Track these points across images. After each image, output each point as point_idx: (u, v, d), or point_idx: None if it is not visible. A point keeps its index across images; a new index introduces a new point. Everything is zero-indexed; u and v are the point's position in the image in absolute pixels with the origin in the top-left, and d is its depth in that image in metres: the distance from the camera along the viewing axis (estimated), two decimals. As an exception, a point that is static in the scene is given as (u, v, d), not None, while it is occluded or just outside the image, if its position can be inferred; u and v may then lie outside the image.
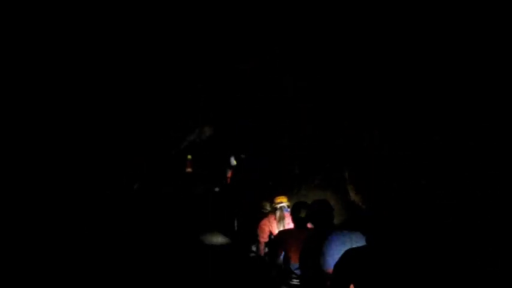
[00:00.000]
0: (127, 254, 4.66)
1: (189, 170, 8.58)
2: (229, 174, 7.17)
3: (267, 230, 4.08)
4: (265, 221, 4.17)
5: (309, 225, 3.45)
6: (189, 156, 8.75)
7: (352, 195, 5.11)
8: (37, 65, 4.52)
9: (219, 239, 5.87)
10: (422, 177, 3.74)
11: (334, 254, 2.33)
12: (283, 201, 4.20)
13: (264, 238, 4.04)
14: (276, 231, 3.91)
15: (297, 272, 3.04)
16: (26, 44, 4.29)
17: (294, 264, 3.08)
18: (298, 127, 6.96)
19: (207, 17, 5.35)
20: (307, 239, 2.74)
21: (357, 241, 2.34)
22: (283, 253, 3.30)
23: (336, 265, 1.91)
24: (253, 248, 4.19)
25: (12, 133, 4.30)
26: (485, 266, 2.68)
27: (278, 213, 4.04)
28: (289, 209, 3.91)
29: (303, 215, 3.23)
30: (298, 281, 3.07)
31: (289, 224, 3.80)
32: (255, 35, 5.52)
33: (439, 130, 3.54)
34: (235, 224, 6.22)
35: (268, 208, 4.84)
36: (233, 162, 7.63)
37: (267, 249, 4.05)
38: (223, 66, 6.53)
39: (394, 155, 4.26)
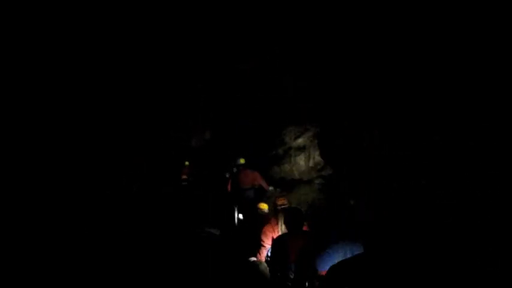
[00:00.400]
0: (127, 253, 4.65)
1: (184, 177, 8.45)
2: (229, 183, 7.09)
3: (270, 235, 4.10)
4: (268, 227, 4.19)
5: (305, 228, 3.52)
6: (187, 163, 8.63)
7: (351, 198, 5.12)
8: (37, 65, 4.52)
9: (219, 239, 5.87)
10: (422, 177, 3.74)
11: (326, 257, 2.37)
12: (284, 203, 4.22)
13: (268, 244, 4.05)
14: (277, 235, 3.91)
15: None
16: (25, 44, 4.29)
17: (292, 265, 3.14)
18: (298, 127, 6.96)
19: (207, 17, 5.36)
20: (305, 243, 2.79)
21: (353, 250, 2.36)
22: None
23: (331, 272, 1.90)
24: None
25: (12, 133, 4.30)
26: (485, 266, 2.68)
27: (280, 214, 4.03)
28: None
29: (295, 220, 3.39)
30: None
31: None
32: (255, 35, 5.52)
33: (439, 130, 3.53)
34: (236, 220, 6.22)
35: (266, 210, 4.85)
36: (235, 170, 7.58)
37: (268, 253, 4.05)
38: (223, 66, 6.54)
39: (394, 155, 4.26)
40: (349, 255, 2.32)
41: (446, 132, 3.45)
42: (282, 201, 4.24)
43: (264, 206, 4.90)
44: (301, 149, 6.90)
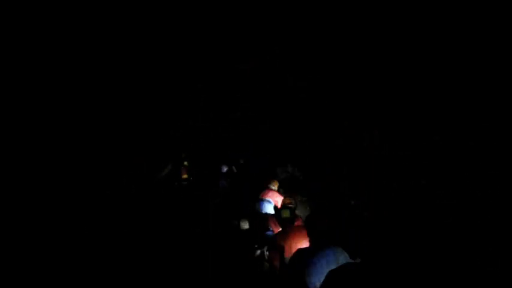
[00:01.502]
0: (127, 253, 4.65)
1: (184, 176, 8.63)
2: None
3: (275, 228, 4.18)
4: (275, 222, 4.26)
5: (297, 223, 3.59)
6: (186, 163, 8.82)
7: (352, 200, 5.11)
8: (37, 65, 4.52)
9: (220, 237, 5.86)
10: (422, 177, 3.74)
11: (318, 273, 2.32)
12: (291, 202, 4.27)
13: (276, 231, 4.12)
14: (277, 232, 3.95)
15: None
16: (25, 44, 4.29)
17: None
18: (298, 127, 6.95)
19: (206, 16, 5.35)
20: (295, 257, 2.76)
21: (340, 257, 2.30)
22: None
23: (330, 278, 1.87)
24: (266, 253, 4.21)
25: (11, 133, 4.31)
26: (485, 266, 2.68)
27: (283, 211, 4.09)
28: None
29: (286, 215, 3.65)
30: None
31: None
32: (255, 35, 5.52)
33: (439, 130, 3.53)
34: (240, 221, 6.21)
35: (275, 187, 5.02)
36: (224, 169, 7.64)
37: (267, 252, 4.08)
38: (223, 66, 6.53)
39: (394, 155, 4.26)
40: (334, 262, 2.25)
41: (446, 132, 3.45)
42: (288, 201, 4.30)
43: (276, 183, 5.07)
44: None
